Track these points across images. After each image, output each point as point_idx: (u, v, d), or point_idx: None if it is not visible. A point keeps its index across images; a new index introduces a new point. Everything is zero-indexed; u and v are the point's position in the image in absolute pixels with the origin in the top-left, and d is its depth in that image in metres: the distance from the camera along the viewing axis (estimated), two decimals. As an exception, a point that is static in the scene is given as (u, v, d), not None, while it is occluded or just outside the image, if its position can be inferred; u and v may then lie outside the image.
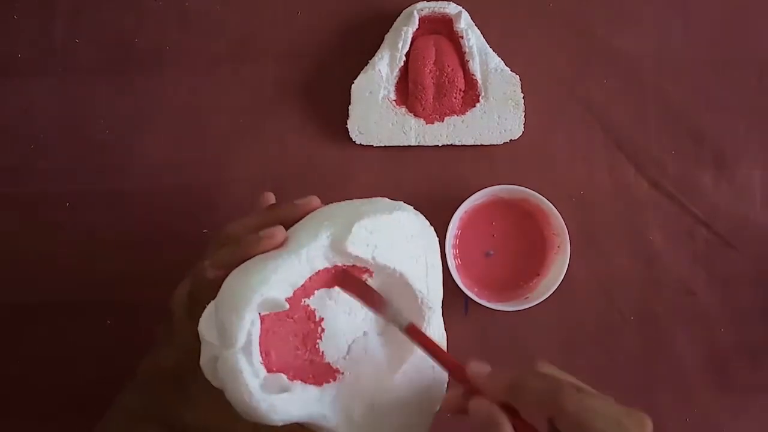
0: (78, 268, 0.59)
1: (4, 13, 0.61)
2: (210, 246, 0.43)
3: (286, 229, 0.40)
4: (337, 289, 0.41)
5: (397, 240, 0.41)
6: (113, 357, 0.53)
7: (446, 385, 0.43)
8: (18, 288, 0.60)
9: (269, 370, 0.37)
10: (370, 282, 0.42)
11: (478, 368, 0.38)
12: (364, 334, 0.43)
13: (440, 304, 0.45)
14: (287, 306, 0.37)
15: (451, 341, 0.58)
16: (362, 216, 0.40)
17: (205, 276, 0.40)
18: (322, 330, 0.41)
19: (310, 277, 0.39)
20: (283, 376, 0.38)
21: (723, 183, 0.60)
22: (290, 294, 0.38)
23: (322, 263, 0.39)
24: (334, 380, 0.41)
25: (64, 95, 0.60)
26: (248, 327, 0.36)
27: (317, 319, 0.41)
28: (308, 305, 0.41)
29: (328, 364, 0.42)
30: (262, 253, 0.39)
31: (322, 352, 0.41)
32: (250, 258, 0.39)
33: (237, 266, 0.39)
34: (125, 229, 0.60)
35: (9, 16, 0.61)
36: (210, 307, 0.38)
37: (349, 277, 0.41)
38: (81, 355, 0.59)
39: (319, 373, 0.41)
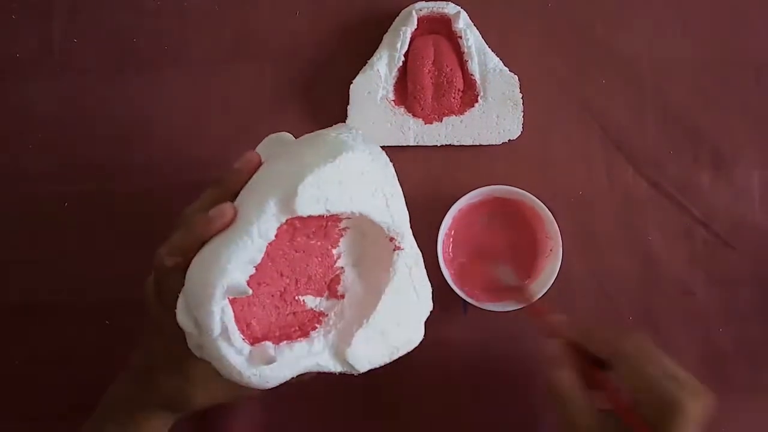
0: (77, 269, 0.59)
1: (2, 13, 0.61)
2: (173, 231, 0.43)
3: (237, 195, 0.41)
4: (301, 238, 0.42)
5: (348, 182, 0.40)
6: (113, 357, 0.53)
7: (431, 300, 0.47)
8: (18, 288, 0.60)
9: (254, 340, 0.39)
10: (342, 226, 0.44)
11: (560, 317, 0.48)
12: (341, 269, 0.45)
13: (408, 225, 0.45)
14: (250, 291, 0.38)
15: (450, 341, 0.59)
16: (305, 173, 0.38)
17: (164, 264, 0.41)
18: (297, 281, 0.42)
19: (269, 244, 0.39)
20: (269, 345, 0.39)
21: (721, 183, 0.60)
22: (252, 270, 0.38)
23: (274, 229, 0.39)
24: (320, 324, 0.43)
25: (62, 95, 0.61)
26: (219, 316, 0.37)
27: (290, 273, 0.42)
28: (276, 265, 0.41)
29: (311, 310, 0.43)
30: (216, 233, 0.39)
31: (303, 301, 0.43)
32: (204, 240, 0.39)
33: (193, 250, 0.39)
34: (124, 229, 0.60)
35: (7, 16, 0.61)
36: (181, 299, 0.38)
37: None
38: (81, 355, 0.59)
39: (304, 322, 0.43)
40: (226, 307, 0.37)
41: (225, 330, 0.37)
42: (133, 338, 0.49)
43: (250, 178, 0.42)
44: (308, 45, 0.61)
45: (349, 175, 0.40)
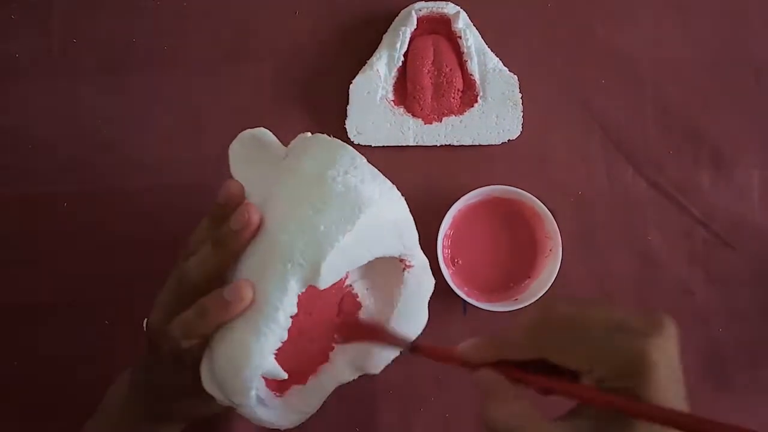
0: (76, 269, 0.59)
1: (2, 13, 0.61)
2: (170, 281, 0.41)
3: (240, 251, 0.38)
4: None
5: (366, 237, 0.38)
6: (113, 357, 0.53)
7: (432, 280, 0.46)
8: (17, 289, 0.60)
9: (281, 383, 0.41)
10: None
11: (464, 346, 0.36)
12: (350, 286, 0.45)
13: (417, 242, 0.43)
14: (285, 375, 0.38)
15: (450, 341, 0.58)
16: (326, 249, 0.36)
17: (180, 345, 0.38)
18: (311, 312, 0.43)
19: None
20: (295, 390, 0.41)
21: (721, 183, 0.60)
22: (279, 345, 0.37)
23: (296, 302, 0.37)
24: (336, 342, 0.43)
25: (61, 95, 0.60)
26: (254, 392, 0.37)
27: (304, 308, 0.41)
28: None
29: (326, 333, 0.44)
30: (235, 316, 0.36)
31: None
32: (223, 324, 0.37)
33: (210, 333, 0.37)
34: (123, 229, 0.60)
35: (6, 17, 0.61)
36: (206, 372, 0.37)
37: (350, 331, 0.42)
38: (81, 355, 0.59)
39: (323, 344, 0.44)
40: (260, 382, 0.38)
41: (259, 399, 0.38)
42: (132, 339, 0.49)
43: (253, 224, 0.38)
44: (308, 45, 0.61)
45: (367, 231, 0.37)
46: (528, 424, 0.31)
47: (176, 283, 0.40)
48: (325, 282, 0.36)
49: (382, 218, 0.38)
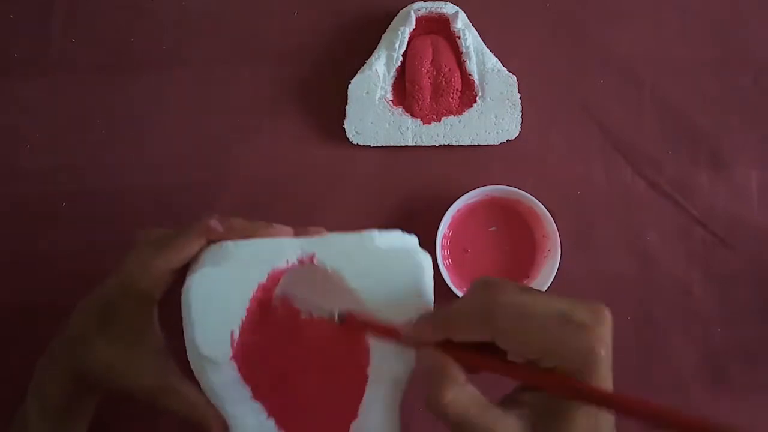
0: (76, 269, 0.59)
1: (1, 13, 0.61)
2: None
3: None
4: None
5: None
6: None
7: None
8: (16, 289, 0.60)
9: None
10: None
11: (408, 327, 0.35)
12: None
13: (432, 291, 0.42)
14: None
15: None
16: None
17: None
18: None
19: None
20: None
21: (719, 183, 0.60)
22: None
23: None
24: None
25: (60, 95, 0.60)
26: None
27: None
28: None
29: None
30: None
31: None
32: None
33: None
34: (122, 229, 0.59)
35: (5, 16, 0.61)
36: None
37: (353, 323, 0.38)
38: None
39: None
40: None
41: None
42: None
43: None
44: (307, 45, 0.61)
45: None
46: (480, 412, 0.31)
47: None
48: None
49: (410, 292, 0.39)
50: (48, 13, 0.61)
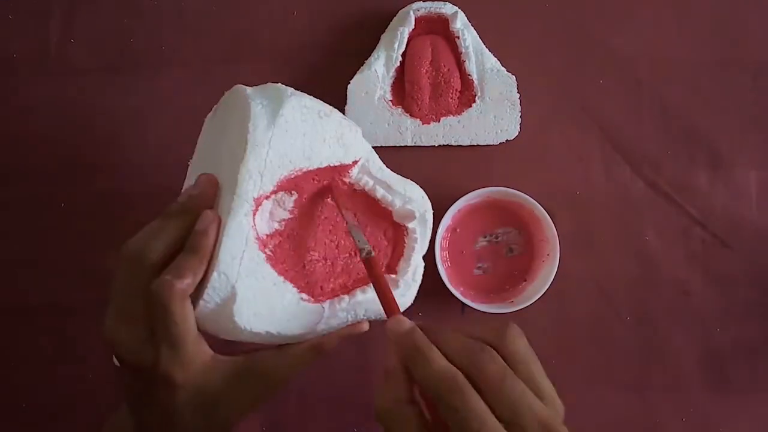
0: (75, 269, 0.60)
1: (0, 13, 0.61)
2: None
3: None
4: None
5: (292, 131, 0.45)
6: (112, 357, 0.53)
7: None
8: (16, 289, 0.60)
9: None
10: None
11: (395, 324, 0.37)
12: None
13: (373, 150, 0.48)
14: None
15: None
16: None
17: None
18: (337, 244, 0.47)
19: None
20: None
21: (719, 183, 0.60)
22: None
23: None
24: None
25: (59, 95, 0.61)
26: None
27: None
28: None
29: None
30: None
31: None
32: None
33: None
34: (121, 229, 0.59)
35: (4, 17, 0.61)
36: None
37: (334, 192, 0.45)
38: (80, 355, 0.59)
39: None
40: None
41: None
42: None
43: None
44: (306, 45, 0.61)
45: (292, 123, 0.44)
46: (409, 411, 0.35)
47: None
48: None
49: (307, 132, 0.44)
50: (47, 14, 0.61)
